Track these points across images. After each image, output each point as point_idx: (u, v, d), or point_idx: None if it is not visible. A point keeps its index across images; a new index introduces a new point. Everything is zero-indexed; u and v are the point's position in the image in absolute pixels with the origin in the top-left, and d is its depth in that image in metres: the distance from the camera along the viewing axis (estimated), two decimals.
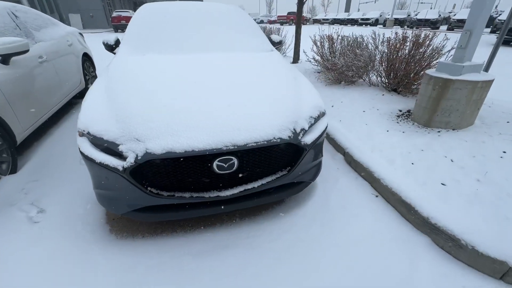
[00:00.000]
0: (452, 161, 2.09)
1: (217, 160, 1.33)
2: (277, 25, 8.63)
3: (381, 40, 3.93)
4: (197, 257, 1.45)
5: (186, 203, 1.49)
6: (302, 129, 1.52)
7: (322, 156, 1.90)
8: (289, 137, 1.44)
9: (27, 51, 2.40)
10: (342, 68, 4.02)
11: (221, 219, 1.75)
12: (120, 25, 17.61)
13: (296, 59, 5.95)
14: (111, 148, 1.32)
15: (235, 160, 1.37)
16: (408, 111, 3.17)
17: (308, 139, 1.55)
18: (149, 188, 1.37)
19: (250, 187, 1.51)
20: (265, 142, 1.37)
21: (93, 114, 1.45)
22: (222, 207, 1.53)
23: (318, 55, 4.67)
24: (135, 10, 29.65)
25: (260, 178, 1.55)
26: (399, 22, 25.17)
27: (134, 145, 1.27)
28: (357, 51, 3.89)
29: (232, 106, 1.47)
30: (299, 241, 1.56)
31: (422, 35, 3.50)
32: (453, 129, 2.65)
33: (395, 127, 2.76)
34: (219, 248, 1.52)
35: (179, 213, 1.50)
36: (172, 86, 1.61)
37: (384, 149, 2.31)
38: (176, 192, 1.43)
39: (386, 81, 3.86)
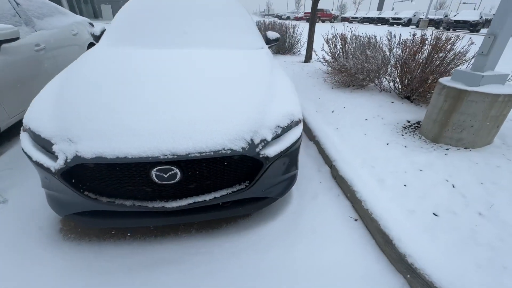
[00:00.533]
0: (453, 186, 1.79)
1: (155, 169, 1.19)
2: (294, 22, 8.29)
3: (396, 41, 3.56)
4: (133, 271, 1.33)
5: (131, 211, 1.37)
6: (263, 140, 1.33)
7: (296, 169, 1.70)
8: (242, 148, 1.25)
9: (17, 38, 2.41)
10: (351, 70, 3.70)
11: (177, 229, 1.61)
12: None
13: (308, 58, 5.66)
14: (46, 147, 1.22)
15: (177, 171, 1.22)
16: (418, 122, 2.83)
17: (271, 151, 1.36)
18: (86, 192, 1.27)
19: (200, 200, 1.36)
20: (212, 153, 1.20)
21: (38, 109, 1.37)
22: (176, 218, 1.40)
23: (328, 54, 4.37)
24: None
25: (214, 191, 1.39)
26: (434, 23, 23.50)
27: (66, 146, 1.17)
28: (368, 52, 3.55)
29: (182, 110, 1.31)
30: (249, 267, 1.38)
31: (443, 38, 3.11)
32: (465, 148, 2.30)
33: (397, 140, 2.46)
34: (163, 262, 1.39)
35: (122, 221, 1.39)
36: (128, 84, 1.49)
37: (376, 165, 2.05)
38: (117, 199, 1.32)
39: (400, 87, 3.50)
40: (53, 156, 1.20)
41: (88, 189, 1.28)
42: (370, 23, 29.78)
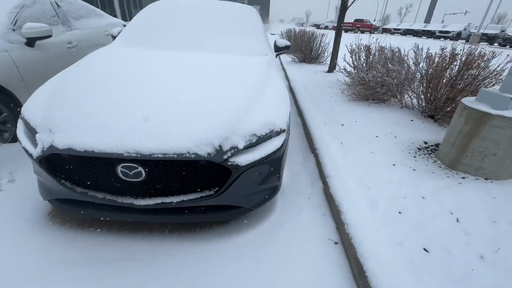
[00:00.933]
0: (457, 221, 1.57)
1: (120, 166, 1.22)
2: (324, 31, 8.12)
3: (424, 55, 3.29)
4: (97, 263, 1.36)
5: (104, 204, 1.42)
6: (233, 148, 1.29)
7: (278, 181, 1.62)
8: (208, 154, 1.23)
9: (49, 36, 2.69)
10: (369, 83, 3.50)
11: (152, 227, 1.63)
12: None
13: (331, 68, 5.49)
14: (32, 135, 1.32)
15: (141, 169, 1.23)
16: (437, 145, 2.56)
17: (242, 160, 1.31)
18: (62, 181, 1.34)
19: (168, 201, 1.36)
20: (175, 156, 1.19)
21: (35, 99, 1.49)
22: (145, 216, 1.42)
23: (350, 65, 4.19)
24: None
25: (182, 194, 1.38)
26: (487, 38, 21.40)
27: (45, 135, 1.25)
28: (390, 65, 3.33)
29: (158, 111, 1.33)
30: (206, 276, 1.33)
31: (476, 53, 2.80)
32: (486, 179, 2.02)
33: (407, 161, 2.25)
34: (128, 259, 1.40)
35: (96, 212, 1.44)
36: (118, 82, 1.56)
37: (373, 187, 1.88)
38: (90, 191, 1.37)
39: (424, 104, 3.22)
40: (35, 143, 1.29)
41: (65, 178, 1.35)
42: (414, 35, 28.10)
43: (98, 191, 1.37)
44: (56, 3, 3.23)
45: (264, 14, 38.33)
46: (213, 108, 1.40)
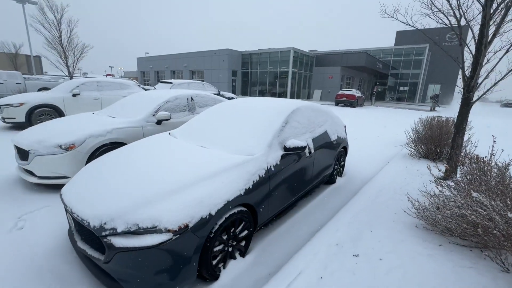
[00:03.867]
0: None
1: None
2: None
3: None
4: None
5: None
6: (112, 229, 1.63)
7: (170, 280, 1.69)
8: (94, 226, 1.66)
9: (168, 119, 4.31)
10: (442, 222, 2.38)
11: None
12: (340, 101, 20.56)
13: (449, 172, 3.91)
14: None
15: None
16: None
17: (117, 241, 1.60)
18: None
19: (88, 253, 1.85)
20: (82, 221, 1.74)
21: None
22: None
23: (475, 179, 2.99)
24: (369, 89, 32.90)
25: (95, 249, 1.83)
26: None
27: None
28: (474, 194, 2.15)
29: (111, 186, 1.97)
30: None
31: None
32: None
33: None
34: None
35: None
36: (122, 163, 2.36)
37: None
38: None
39: None
40: None
41: None
42: None
43: None
44: (192, 98, 5.09)
45: (450, 92, 33.31)
46: (127, 192, 1.84)
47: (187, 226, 1.69)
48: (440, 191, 2.76)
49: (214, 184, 1.97)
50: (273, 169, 2.46)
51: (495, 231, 1.99)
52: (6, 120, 6.96)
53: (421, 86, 32.78)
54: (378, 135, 8.72)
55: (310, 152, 3.11)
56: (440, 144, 5.31)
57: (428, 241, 2.44)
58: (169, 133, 3.22)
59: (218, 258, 2.03)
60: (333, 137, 3.81)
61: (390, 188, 3.83)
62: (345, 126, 4.49)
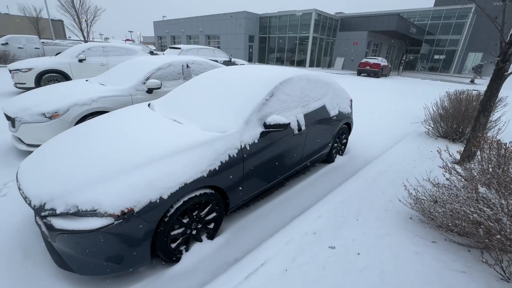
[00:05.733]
0: None
1: None
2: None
3: None
4: None
5: None
6: (52, 209, 1.52)
7: (115, 263, 1.60)
8: (34, 205, 1.56)
9: (160, 87, 4.07)
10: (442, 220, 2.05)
11: None
12: (363, 70, 18.98)
13: (466, 157, 3.47)
14: None
15: None
16: None
17: (57, 223, 1.51)
18: None
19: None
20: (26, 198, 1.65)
21: None
22: None
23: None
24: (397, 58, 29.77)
25: None
26: None
27: None
28: (481, 189, 1.78)
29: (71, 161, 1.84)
30: None
31: None
32: None
33: None
34: None
35: None
36: (84, 138, 2.20)
37: None
38: None
39: None
40: None
41: None
42: None
43: None
44: (188, 65, 4.75)
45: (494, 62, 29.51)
46: (72, 172, 1.69)
47: (132, 210, 1.54)
48: (447, 179, 2.40)
49: (170, 165, 1.77)
50: (248, 148, 2.21)
51: (498, 236, 1.66)
52: (18, 85, 7.11)
53: (459, 54, 29.14)
54: (397, 109, 7.96)
55: (300, 129, 2.78)
56: (463, 121, 4.66)
57: (420, 236, 2.16)
58: (148, 104, 3.00)
59: (178, 241, 1.92)
60: (333, 112, 3.40)
61: (394, 170, 3.46)
62: (351, 100, 4.00)
